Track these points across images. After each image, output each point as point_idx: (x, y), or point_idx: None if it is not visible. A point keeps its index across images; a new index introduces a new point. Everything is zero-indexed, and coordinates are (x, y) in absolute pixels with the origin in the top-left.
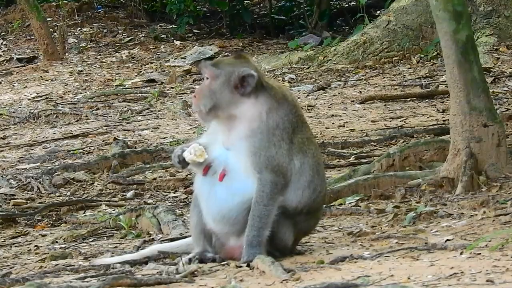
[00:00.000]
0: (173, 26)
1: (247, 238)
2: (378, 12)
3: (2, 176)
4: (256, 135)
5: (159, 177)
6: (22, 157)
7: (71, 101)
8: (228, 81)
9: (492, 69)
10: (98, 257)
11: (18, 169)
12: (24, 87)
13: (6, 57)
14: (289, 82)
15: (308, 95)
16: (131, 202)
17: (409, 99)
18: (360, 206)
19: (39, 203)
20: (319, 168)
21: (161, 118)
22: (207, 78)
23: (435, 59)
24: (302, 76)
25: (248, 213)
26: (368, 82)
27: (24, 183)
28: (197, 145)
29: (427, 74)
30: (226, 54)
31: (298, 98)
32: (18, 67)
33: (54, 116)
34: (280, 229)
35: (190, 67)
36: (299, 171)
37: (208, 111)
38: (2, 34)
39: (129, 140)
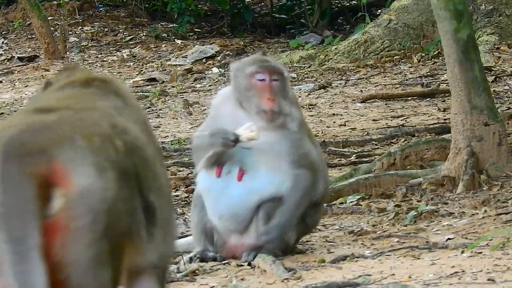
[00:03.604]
0: (174, 25)
1: (277, 221)
2: (379, 11)
3: None
4: (291, 133)
5: None
6: None
7: None
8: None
9: (493, 68)
10: None
11: None
12: (25, 86)
13: (7, 56)
14: (290, 81)
15: (309, 94)
16: None
17: (410, 98)
18: (361, 205)
19: None
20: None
21: (162, 117)
22: (275, 80)
23: (436, 58)
24: (303, 75)
25: (258, 210)
26: (369, 81)
27: None
28: (252, 123)
29: (428, 73)
30: (227, 53)
31: (299, 97)
32: (19, 66)
33: None
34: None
35: (191, 66)
36: (320, 163)
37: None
38: (3, 33)
39: None
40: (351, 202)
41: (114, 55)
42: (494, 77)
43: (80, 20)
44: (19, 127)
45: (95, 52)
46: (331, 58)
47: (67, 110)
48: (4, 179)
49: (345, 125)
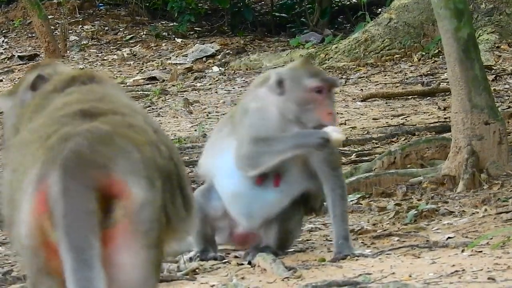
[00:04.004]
0: (175, 23)
1: (343, 233)
2: (380, 10)
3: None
4: None
5: None
6: None
7: None
8: None
9: (493, 67)
10: None
11: None
12: None
13: (8, 55)
14: None
15: None
16: None
17: (410, 97)
18: (361, 204)
19: None
20: None
21: (162, 116)
22: (329, 91)
23: (437, 56)
24: None
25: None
26: (370, 80)
27: None
28: (336, 126)
29: (429, 72)
30: (227, 52)
31: None
32: (19, 64)
33: None
34: (295, 227)
35: (192, 64)
36: None
37: None
38: (3, 31)
39: None
40: (351, 201)
41: (115, 54)
42: (494, 76)
43: (81, 19)
44: (76, 140)
45: (95, 51)
46: (331, 57)
47: (114, 115)
48: (66, 192)
49: (346, 124)
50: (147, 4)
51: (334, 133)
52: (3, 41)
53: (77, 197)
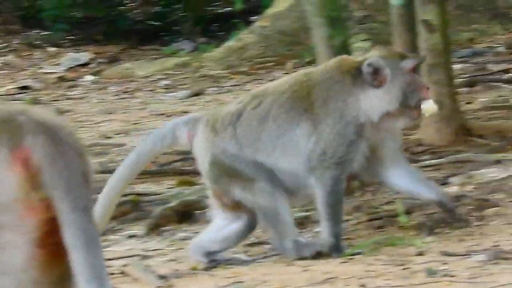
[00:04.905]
0: (48, 32)
1: None
2: (254, 18)
3: None
4: None
5: None
6: None
7: None
8: None
9: None
10: None
11: None
12: None
13: None
14: (164, 88)
15: (183, 101)
16: None
17: None
18: None
19: None
20: None
21: None
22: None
23: (311, 64)
24: (177, 82)
25: None
26: (243, 88)
27: None
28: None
29: None
30: (100, 60)
31: (175, 104)
32: None
33: None
34: None
35: (65, 73)
36: None
37: None
38: None
39: None
40: None
41: None
42: None
43: None
44: (34, 114)
45: None
46: (205, 65)
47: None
48: (61, 155)
49: None
50: (20, 13)
51: (430, 107)
52: None
53: (71, 159)
